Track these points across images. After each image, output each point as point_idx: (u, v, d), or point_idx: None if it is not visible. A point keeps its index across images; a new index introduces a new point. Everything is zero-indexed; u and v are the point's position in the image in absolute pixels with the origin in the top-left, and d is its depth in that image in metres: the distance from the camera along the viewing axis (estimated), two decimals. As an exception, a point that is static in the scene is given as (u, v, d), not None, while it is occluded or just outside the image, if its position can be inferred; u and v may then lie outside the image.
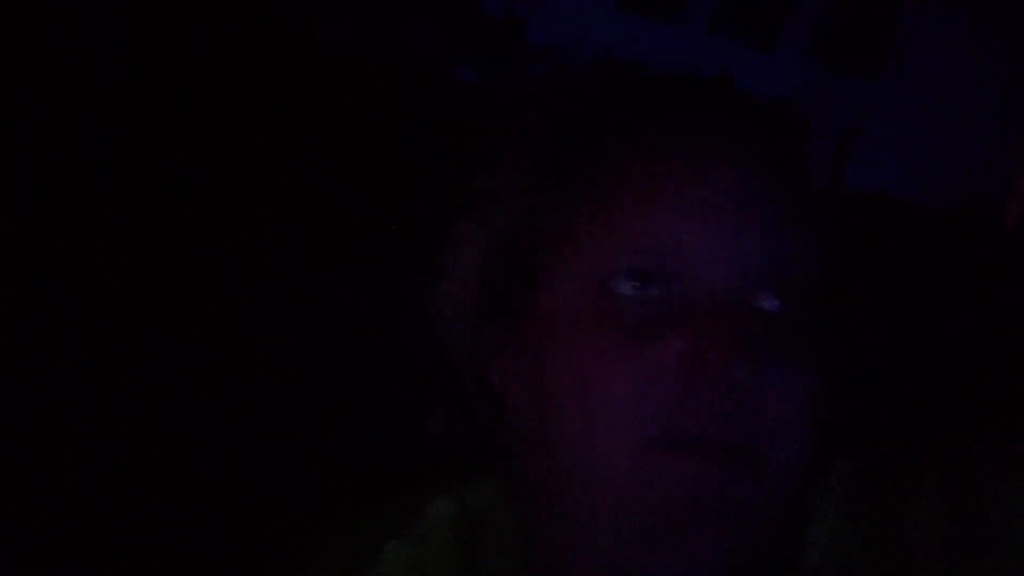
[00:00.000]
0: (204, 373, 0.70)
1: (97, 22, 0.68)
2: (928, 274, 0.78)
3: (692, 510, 0.52)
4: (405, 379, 0.74)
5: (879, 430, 0.68)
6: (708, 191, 0.56)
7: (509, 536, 0.64)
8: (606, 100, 0.59)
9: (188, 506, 0.70)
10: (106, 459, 0.69)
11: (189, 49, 0.70)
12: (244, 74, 0.71)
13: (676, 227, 0.55)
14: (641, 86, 0.60)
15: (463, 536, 0.63)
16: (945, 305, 0.81)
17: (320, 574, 0.64)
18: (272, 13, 0.83)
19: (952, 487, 0.58)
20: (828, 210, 0.60)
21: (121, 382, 0.69)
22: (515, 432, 0.59)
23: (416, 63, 0.78)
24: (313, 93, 0.73)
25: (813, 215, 0.59)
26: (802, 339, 0.56)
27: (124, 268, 0.69)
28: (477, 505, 0.69)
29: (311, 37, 0.77)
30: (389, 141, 0.73)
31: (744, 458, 0.54)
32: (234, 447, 0.71)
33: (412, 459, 0.70)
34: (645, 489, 0.53)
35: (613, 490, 0.54)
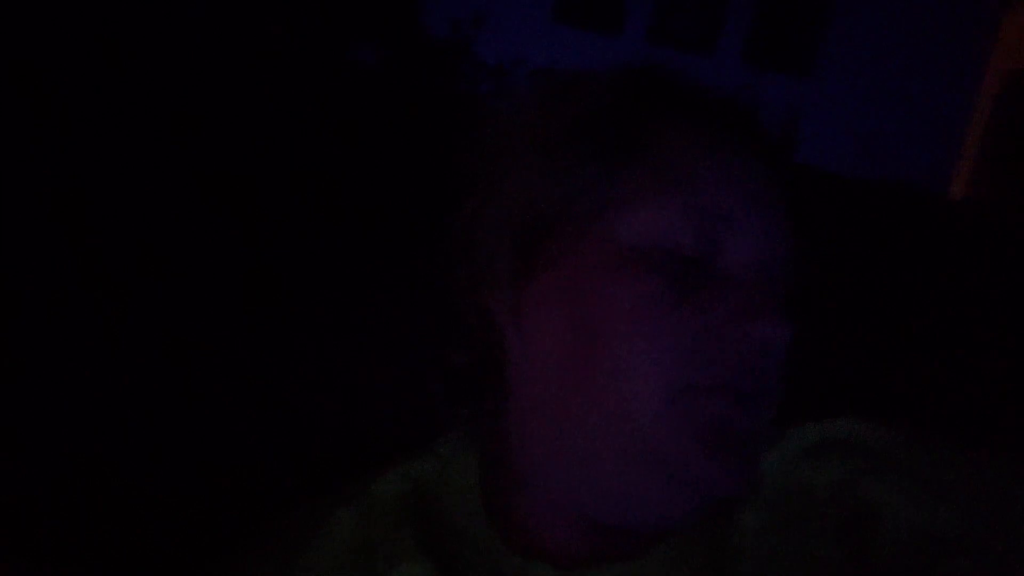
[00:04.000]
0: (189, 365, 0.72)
1: (97, 22, 0.70)
2: (877, 247, 0.82)
3: (714, 446, 0.56)
4: (375, 371, 0.77)
5: (827, 396, 0.72)
6: (752, 180, 0.61)
7: (462, 500, 0.68)
8: (652, 91, 0.64)
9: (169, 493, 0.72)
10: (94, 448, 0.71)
11: (188, 49, 0.72)
12: (241, 74, 0.74)
13: (728, 202, 0.59)
14: (677, 83, 0.66)
15: (410, 508, 0.67)
16: (898, 277, 0.84)
17: (275, 540, 0.67)
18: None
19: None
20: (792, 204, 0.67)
21: (107, 372, 0.71)
22: (526, 366, 0.63)
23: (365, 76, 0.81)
24: (307, 96, 0.76)
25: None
26: (789, 304, 0.62)
27: (118, 265, 0.71)
28: (424, 479, 0.69)
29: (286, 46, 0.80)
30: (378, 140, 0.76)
31: (756, 402, 0.58)
32: (221, 441, 0.74)
33: (371, 443, 0.74)
34: (675, 427, 0.57)
35: (644, 424, 0.57)
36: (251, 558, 0.66)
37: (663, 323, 0.56)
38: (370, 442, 0.76)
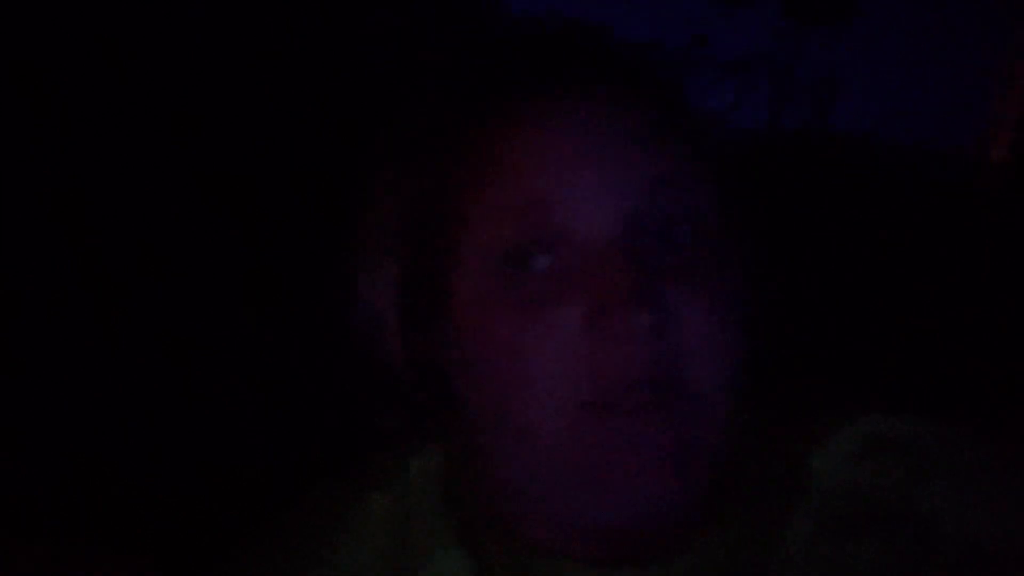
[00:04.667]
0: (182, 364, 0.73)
1: (97, 22, 0.70)
2: (911, 209, 0.80)
3: (635, 458, 0.52)
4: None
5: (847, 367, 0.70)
6: (576, 147, 0.53)
7: (469, 494, 0.65)
8: (484, 78, 0.57)
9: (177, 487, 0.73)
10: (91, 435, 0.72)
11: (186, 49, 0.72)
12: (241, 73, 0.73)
13: (550, 188, 0.52)
14: (513, 55, 0.57)
15: (444, 489, 0.64)
16: (935, 240, 0.82)
17: (306, 525, 0.65)
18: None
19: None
20: (722, 151, 0.58)
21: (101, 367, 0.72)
22: (454, 403, 0.60)
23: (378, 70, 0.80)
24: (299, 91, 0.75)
25: (700, 155, 0.57)
26: (706, 269, 0.55)
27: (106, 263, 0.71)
28: (454, 460, 0.67)
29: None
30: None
31: (672, 394, 0.53)
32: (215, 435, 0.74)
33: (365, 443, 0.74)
34: (586, 449, 0.52)
35: (555, 454, 0.53)
36: (281, 544, 0.65)
37: (526, 345, 0.52)
38: (372, 441, 0.76)
